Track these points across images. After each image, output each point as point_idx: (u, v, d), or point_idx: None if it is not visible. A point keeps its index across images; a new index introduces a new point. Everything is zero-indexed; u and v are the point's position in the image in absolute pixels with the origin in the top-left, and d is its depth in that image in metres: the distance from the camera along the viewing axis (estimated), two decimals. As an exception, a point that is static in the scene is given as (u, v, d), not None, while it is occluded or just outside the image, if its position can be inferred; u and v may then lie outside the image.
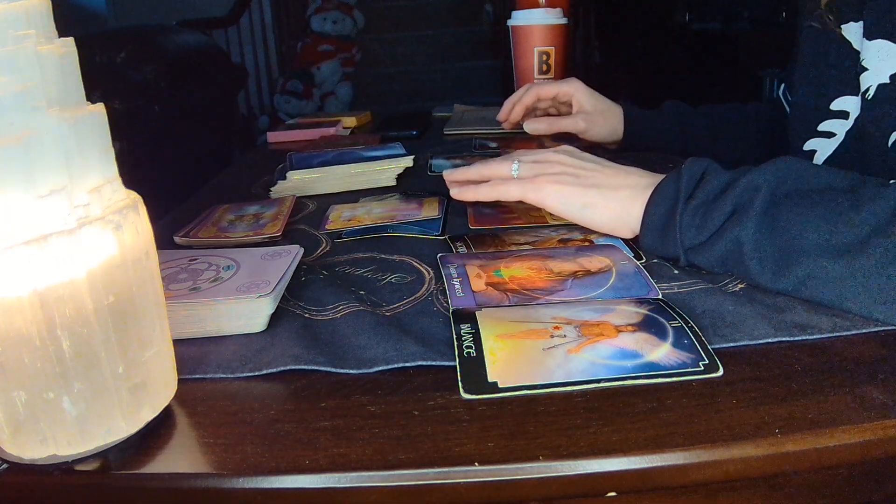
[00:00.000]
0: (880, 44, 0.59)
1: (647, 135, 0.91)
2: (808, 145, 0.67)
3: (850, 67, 0.63)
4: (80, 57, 0.33)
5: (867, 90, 0.60)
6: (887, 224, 0.42)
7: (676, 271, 0.52)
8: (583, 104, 0.90)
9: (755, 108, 0.91)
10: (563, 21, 1.08)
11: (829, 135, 0.66)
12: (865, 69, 0.61)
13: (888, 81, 0.59)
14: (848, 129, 0.64)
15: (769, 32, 3.00)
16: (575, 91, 0.90)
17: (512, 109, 0.96)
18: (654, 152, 0.88)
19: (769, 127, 0.88)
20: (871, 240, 0.42)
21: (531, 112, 0.96)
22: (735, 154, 0.89)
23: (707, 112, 0.92)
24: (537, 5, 1.10)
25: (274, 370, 0.41)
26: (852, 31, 0.64)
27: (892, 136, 0.58)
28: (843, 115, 0.65)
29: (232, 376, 0.41)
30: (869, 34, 0.61)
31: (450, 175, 0.65)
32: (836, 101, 0.65)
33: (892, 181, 0.46)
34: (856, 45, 0.63)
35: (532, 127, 0.91)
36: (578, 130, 0.90)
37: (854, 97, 0.63)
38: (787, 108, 0.78)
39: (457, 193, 0.63)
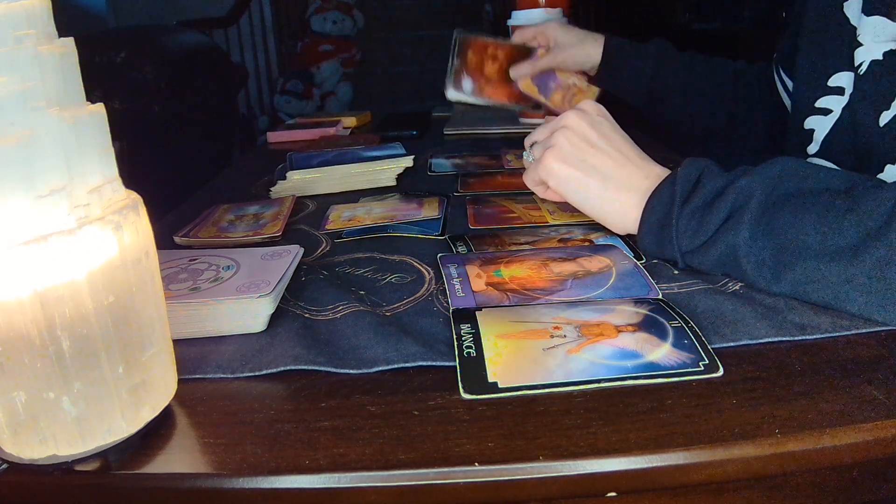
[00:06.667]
0: (877, 20, 0.59)
1: (622, 69, 0.92)
2: (807, 123, 0.66)
3: (846, 42, 0.62)
4: (80, 57, 0.33)
5: (860, 65, 0.59)
6: (884, 226, 0.42)
7: (676, 272, 0.52)
8: (557, 39, 0.94)
9: (740, 67, 0.90)
10: (563, 21, 1.07)
11: (826, 111, 0.65)
12: (860, 45, 0.60)
13: (881, 58, 0.58)
14: (844, 104, 0.64)
15: (769, 32, 2.99)
16: (546, 29, 0.94)
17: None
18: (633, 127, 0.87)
19: (748, 89, 0.88)
20: (868, 242, 0.42)
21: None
22: (703, 113, 0.90)
23: (689, 64, 0.91)
24: (537, 5, 1.10)
25: (274, 370, 0.41)
26: (852, 8, 0.63)
27: (882, 115, 0.57)
28: (840, 91, 0.64)
29: (232, 376, 0.41)
30: (867, 10, 0.60)
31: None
32: (834, 76, 0.64)
33: (890, 181, 0.46)
34: (853, 21, 0.62)
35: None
36: (557, 64, 0.94)
37: (850, 73, 0.62)
38: (785, 89, 0.78)
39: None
